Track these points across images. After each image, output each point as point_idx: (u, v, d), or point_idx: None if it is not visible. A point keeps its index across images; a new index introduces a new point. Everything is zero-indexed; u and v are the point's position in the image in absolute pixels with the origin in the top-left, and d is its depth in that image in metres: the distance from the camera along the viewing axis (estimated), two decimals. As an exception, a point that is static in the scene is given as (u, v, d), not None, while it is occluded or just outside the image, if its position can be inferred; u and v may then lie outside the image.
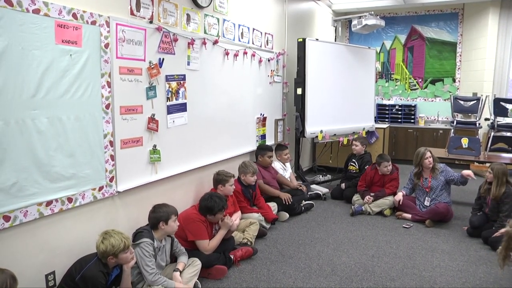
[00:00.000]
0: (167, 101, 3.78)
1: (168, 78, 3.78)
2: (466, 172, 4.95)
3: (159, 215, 3.09)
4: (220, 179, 4.18)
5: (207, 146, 4.48)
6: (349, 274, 3.63)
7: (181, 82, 3.96)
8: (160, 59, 3.63)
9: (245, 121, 5.35)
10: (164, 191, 3.82)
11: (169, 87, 3.79)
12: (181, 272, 3.17)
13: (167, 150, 3.80)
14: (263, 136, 5.80)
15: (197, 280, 3.19)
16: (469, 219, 4.76)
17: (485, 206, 4.65)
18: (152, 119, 3.57)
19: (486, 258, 4.05)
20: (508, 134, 6.03)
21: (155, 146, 3.63)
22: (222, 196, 3.78)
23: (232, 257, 3.73)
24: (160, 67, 3.63)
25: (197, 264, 3.32)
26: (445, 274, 3.68)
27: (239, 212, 4.43)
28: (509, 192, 4.40)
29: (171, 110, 3.84)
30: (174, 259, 3.34)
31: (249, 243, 4.13)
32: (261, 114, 5.71)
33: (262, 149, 5.41)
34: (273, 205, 4.95)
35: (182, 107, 4.00)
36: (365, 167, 5.94)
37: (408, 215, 5.15)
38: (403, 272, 3.71)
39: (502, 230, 4.18)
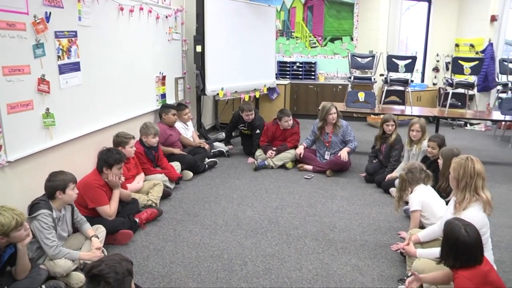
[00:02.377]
0: (58, 60, 3.48)
1: (58, 35, 3.46)
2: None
3: (55, 184, 2.90)
4: (119, 141, 4.06)
5: (105, 107, 4.26)
6: (254, 227, 3.81)
7: (73, 39, 3.66)
8: (46, 13, 3.30)
9: (144, 80, 5.16)
10: (62, 157, 3.59)
11: (59, 44, 3.49)
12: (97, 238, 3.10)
13: (62, 113, 3.55)
14: (163, 95, 5.66)
15: (103, 248, 3.10)
16: (365, 166, 5.25)
17: (380, 154, 5.18)
18: (42, 80, 3.28)
19: (379, 200, 4.54)
20: (399, 88, 6.58)
21: (48, 109, 3.36)
22: (120, 151, 3.68)
23: (137, 220, 3.68)
24: (48, 22, 3.31)
25: (101, 231, 3.23)
26: (343, 218, 4.05)
27: (142, 174, 4.36)
28: (399, 139, 4.93)
29: (63, 69, 3.55)
30: (75, 229, 3.20)
31: (154, 204, 4.11)
32: (160, 73, 5.54)
33: (166, 107, 5.31)
34: (176, 165, 4.94)
35: (76, 67, 3.72)
36: (256, 131, 6.05)
37: (309, 167, 5.49)
38: (305, 220, 4.00)
39: (391, 174, 4.71)
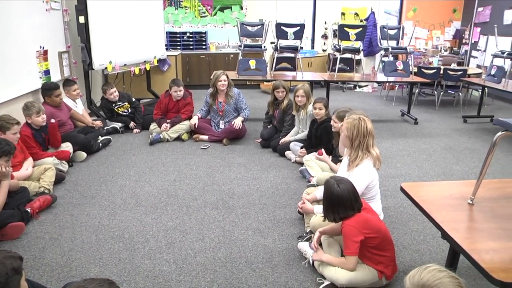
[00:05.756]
0: None
1: None
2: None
3: None
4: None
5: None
6: (153, 202, 3.83)
7: None
8: None
9: (23, 56, 4.78)
10: None
11: None
12: None
13: None
14: (47, 72, 5.28)
15: (-11, 245, 2.91)
16: (260, 132, 5.48)
17: (274, 119, 5.43)
18: None
19: (275, 164, 4.80)
20: (290, 55, 6.84)
21: None
22: (10, 142, 3.41)
23: (29, 210, 3.47)
24: None
25: (-14, 227, 3.01)
26: (242, 184, 4.23)
27: (31, 159, 4.09)
28: (291, 104, 5.19)
29: None
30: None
31: (46, 191, 3.90)
32: (41, 47, 5.14)
33: (47, 89, 4.89)
34: (67, 146, 4.71)
35: None
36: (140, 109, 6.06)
37: (205, 137, 5.58)
38: (204, 189, 4.10)
39: (285, 138, 4.98)
